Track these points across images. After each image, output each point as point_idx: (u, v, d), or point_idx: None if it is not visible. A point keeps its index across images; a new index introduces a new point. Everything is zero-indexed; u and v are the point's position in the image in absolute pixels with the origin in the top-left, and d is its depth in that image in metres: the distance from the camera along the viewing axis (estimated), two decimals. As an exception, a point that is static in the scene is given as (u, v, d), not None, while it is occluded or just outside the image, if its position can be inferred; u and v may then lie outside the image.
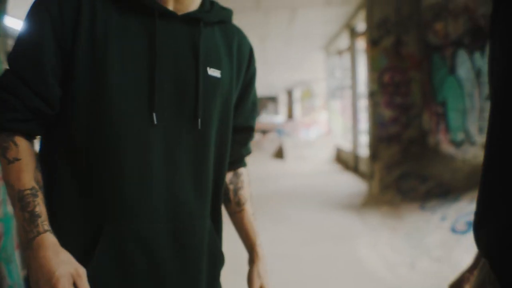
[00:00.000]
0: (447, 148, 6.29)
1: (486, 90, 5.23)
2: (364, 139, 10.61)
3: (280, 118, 30.57)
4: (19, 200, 1.03)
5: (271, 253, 4.60)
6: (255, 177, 10.25)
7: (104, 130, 1.10)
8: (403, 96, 7.18)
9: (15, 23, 4.06)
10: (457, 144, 5.98)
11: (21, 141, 1.09)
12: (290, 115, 28.56)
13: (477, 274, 1.18)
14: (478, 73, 5.42)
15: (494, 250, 0.93)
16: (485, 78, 5.25)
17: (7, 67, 1.13)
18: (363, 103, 10.72)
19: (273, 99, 34.77)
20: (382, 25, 7.18)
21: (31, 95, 1.08)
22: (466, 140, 5.73)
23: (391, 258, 4.42)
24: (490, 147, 0.98)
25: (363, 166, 9.72)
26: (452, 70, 6.13)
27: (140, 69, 1.11)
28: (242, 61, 1.32)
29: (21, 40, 1.12)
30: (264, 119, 28.25)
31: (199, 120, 1.17)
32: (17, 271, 2.99)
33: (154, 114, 1.11)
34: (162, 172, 1.14)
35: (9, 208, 2.94)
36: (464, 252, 3.93)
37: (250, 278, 1.39)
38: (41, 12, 1.09)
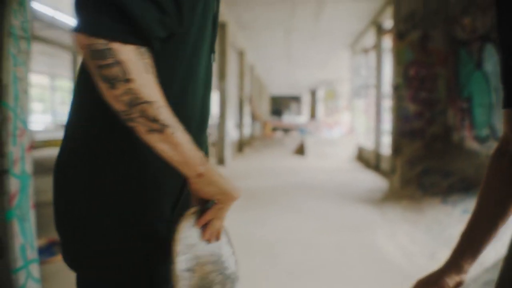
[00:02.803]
0: (471, 144, 6.18)
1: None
2: (386, 139, 10.51)
3: (303, 118, 30.48)
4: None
5: (287, 240, 4.61)
6: (275, 170, 10.26)
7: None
8: (428, 92, 7.08)
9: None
10: (482, 140, 5.87)
11: None
12: (313, 115, 28.44)
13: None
14: (506, 68, 5.31)
15: None
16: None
17: None
18: (387, 103, 10.62)
19: (296, 99, 34.72)
20: (409, 19, 7.10)
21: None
22: (491, 136, 5.61)
23: (410, 248, 4.35)
24: None
25: (385, 165, 9.63)
26: (478, 65, 6.02)
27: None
28: None
29: None
30: (287, 119, 28.19)
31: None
32: (31, 231, 3.00)
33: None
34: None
35: (27, 167, 2.95)
36: (485, 243, 3.86)
37: None
38: None
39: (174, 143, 0.95)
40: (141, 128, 0.93)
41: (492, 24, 5.60)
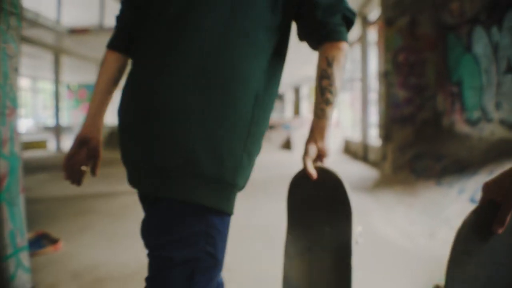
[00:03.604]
0: (462, 127, 6.16)
1: (504, 64, 5.10)
2: (373, 131, 10.51)
3: (286, 116, 30.42)
4: None
5: (281, 229, 4.51)
6: (264, 164, 10.17)
7: None
8: (417, 77, 7.06)
9: None
10: (473, 123, 5.85)
11: None
12: (296, 112, 28.35)
13: None
14: (495, 48, 5.29)
15: None
16: (503, 52, 5.13)
17: None
18: (373, 96, 10.62)
19: (279, 97, 34.54)
20: (397, 5, 7.07)
21: None
22: (483, 118, 5.59)
23: (409, 229, 4.30)
24: None
25: (373, 155, 9.61)
26: (468, 48, 6.01)
27: None
28: None
29: None
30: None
31: None
32: (21, 216, 2.87)
33: None
34: None
35: (16, 148, 2.82)
36: (485, 220, 3.81)
37: None
38: None
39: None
40: (334, 102, 1.40)
41: (481, 6, 5.59)
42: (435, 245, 3.76)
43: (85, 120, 1.55)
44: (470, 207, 4.13)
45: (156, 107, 1.24)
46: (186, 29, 1.27)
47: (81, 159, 1.55)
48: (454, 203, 4.45)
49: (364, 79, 10.77)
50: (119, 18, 1.54)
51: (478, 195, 4.22)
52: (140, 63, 1.37)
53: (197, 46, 1.25)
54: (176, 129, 1.21)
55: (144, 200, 1.40)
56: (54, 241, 4.10)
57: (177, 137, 1.21)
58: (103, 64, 1.53)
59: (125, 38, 1.52)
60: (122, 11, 1.54)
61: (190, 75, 1.23)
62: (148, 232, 1.31)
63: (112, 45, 1.55)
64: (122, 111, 1.36)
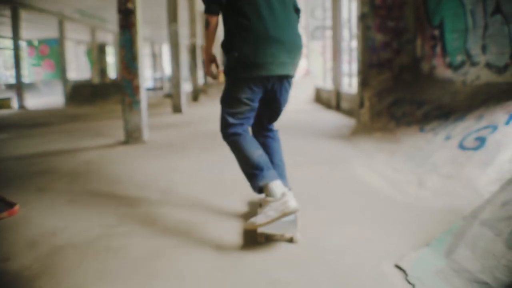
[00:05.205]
0: (443, 72, 5.87)
1: (491, 4, 4.78)
2: (346, 81, 10.27)
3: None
4: None
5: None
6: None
7: None
8: (395, 20, 6.69)
9: None
10: (456, 67, 5.56)
11: None
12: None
13: None
14: (482, -13, 4.95)
15: None
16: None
17: None
18: (345, 44, 10.32)
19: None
20: None
21: None
22: (467, 62, 5.30)
23: (395, 178, 4.03)
24: None
25: (346, 104, 9.40)
26: (450, -12, 5.65)
27: None
28: None
29: None
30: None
31: None
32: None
33: None
34: None
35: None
36: (477, 167, 3.55)
37: None
38: None
39: None
40: None
41: None
42: (425, 194, 3.50)
43: (207, 51, 2.92)
44: (459, 154, 3.87)
45: (290, 40, 2.69)
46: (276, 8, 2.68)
47: (213, 69, 2.97)
48: (440, 149, 4.19)
49: (335, 26, 10.39)
50: None
51: (468, 141, 3.96)
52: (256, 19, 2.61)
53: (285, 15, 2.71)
54: (296, 48, 2.72)
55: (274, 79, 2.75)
56: (9, 205, 3.69)
57: (296, 51, 2.73)
58: (210, 24, 2.74)
59: (218, 7, 2.68)
60: None
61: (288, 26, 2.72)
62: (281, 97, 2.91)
63: (215, 12, 2.70)
64: (262, 38, 2.59)
